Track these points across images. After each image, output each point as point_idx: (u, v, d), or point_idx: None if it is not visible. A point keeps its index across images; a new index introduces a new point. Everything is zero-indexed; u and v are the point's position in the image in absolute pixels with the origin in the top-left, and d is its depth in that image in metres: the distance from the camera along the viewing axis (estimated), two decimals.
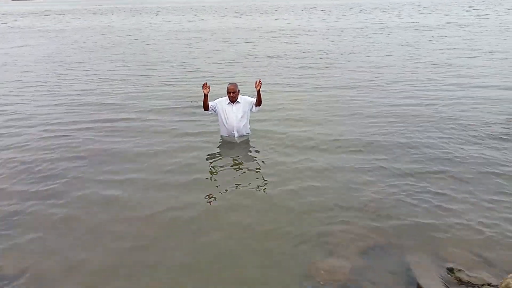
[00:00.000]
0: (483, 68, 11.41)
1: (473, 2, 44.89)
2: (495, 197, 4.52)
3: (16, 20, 38.58)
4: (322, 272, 3.46)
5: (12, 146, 6.36)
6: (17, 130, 7.13)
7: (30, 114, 8.08)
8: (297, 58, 14.19)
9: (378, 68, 11.91)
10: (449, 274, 3.37)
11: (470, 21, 25.40)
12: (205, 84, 5.87)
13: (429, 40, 17.66)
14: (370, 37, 19.44)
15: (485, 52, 14.07)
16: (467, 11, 33.60)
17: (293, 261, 3.60)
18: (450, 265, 3.47)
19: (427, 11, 35.77)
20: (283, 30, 24.69)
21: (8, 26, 31.71)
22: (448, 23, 24.42)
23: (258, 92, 5.92)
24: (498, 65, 11.67)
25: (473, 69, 11.23)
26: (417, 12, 34.85)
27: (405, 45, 16.34)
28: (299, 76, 11.16)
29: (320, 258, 3.62)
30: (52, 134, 6.83)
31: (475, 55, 13.64)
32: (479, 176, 5.01)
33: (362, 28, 23.70)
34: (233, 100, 6.02)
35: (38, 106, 8.71)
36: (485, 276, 3.34)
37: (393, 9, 40.14)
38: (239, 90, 6.06)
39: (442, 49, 15.00)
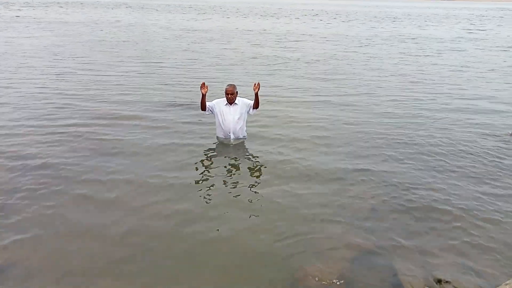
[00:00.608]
0: (487, 87, 11.09)
1: (486, 16, 44.69)
2: (485, 210, 4.54)
3: (19, 10, 38.50)
4: (310, 277, 3.47)
5: (3, 141, 6.26)
6: (8, 128, 6.88)
7: (25, 109, 7.95)
8: (298, 67, 14.00)
9: (379, 81, 11.55)
10: (437, 284, 3.39)
11: (480, 35, 25.17)
12: (203, 84, 5.88)
13: (435, 53, 17.47)
14: (374, 47, 19.26)
15: (491, 70, 13.80)
16: (477, 24, 33.26)
17: (281, 265, 3.61)
18: (438, 276, 3.48)
19: (435, 23, 35.55)
20: (288, 34, 24.68)
21: (13, 16, 31.63)
22: (458, 37, 23.96)
23: (256, 94, 5.94)
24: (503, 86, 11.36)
25: (479, 89, 10.85)
26: (426, 23, 34.56)
27: (409, 56, 16.19)
28: (299, 86, 10.98)
29: (308, 263, 3.62)
30: (45, 131, 6.74)
31: (482, 72, 13.32)
32: (469, 188, 5.05)
33: (368, 37, 23.65)
34: (230, 101, 6.02)
35: (33, 101, 8.54)
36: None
37: (402, 19, 40.10)
38: (237, 92, 6.07)
39: (446, 64, 14.71)
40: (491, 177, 5.38)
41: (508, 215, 4.45)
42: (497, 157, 6.03)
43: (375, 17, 42.75)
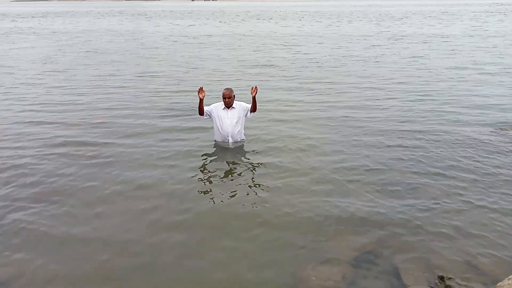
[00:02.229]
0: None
1: (505, 11, 43.92)
2: (487, 207, 4.54)
3: (13, 21, 38.57)
4: (314, 278, 3.46)
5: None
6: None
7: (10, 128, 7.57)
8: (298, 68, 13.90)
9: (385, 85, 10.97)
10: (440, 282, 3.38)
11: (491, 32, 24.49)
12: (201, 88, 5.89)
13: (444, 52, 16.86)
14: (381, 48, 18.75)
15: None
16: (486, 21, 32.61)
17: (285, 267, 3.60)
18: (441, 273, 3.48)
19: (446, 20, 34.96)
20: (289, 36, 24.50)
21: (7, 27, 31.67)
22: (470, 35, 22.97)
23: (254, 98, 5.94)
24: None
25: (491, 98, 9.64)
26: (437, 22, 33.85)
27: (417, 57, 15.59)
28: (298, 88, 10.91)
29: (311, 265, 3.62)
30: (40, 145, 6.63)
31: (495, 71, 12.54)
32: (471, 185, 5.04)
33: (373, 37, 23.38)
34: (228, 105, 6.03)
35: (19, 121, 8.00)
36: (475, 284, 3.36)
37: (408, 18, 39.81)
38: (234, 96, 6.07)
39: (455, 65, 13.84)
40: (489, 172, 5.36)
41: (508, 211, 4.45)
42: (497, 153, 6.02)
43: (375, 17, 42.82)
